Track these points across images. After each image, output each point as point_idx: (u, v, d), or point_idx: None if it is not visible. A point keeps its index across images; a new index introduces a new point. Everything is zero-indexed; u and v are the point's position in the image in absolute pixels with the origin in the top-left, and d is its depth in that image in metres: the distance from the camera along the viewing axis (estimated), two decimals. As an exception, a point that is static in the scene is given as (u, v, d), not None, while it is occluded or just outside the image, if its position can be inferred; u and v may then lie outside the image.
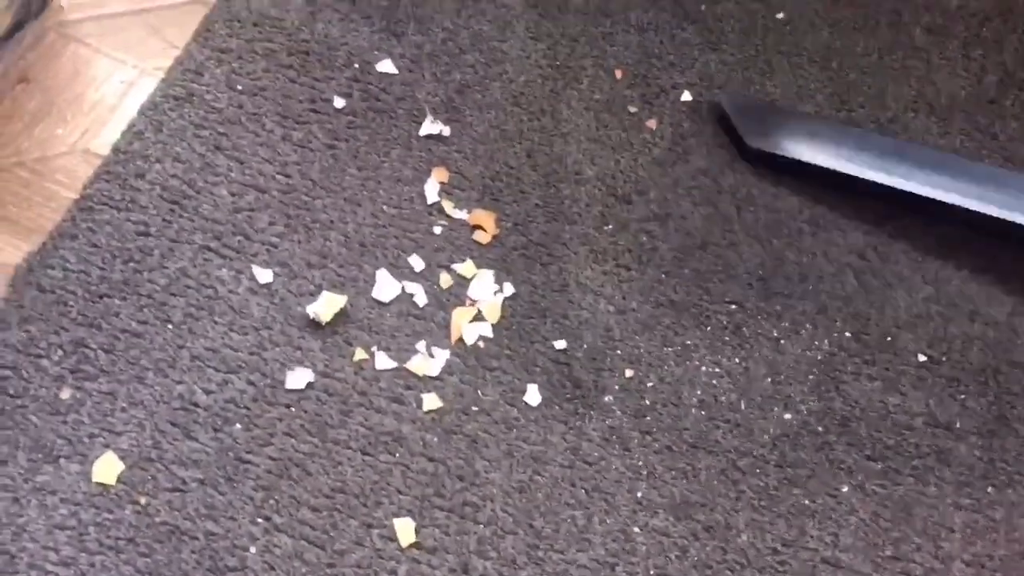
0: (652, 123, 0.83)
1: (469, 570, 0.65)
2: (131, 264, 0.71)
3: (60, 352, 0.67)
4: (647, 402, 0.72)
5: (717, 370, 0.74)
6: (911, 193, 0.80)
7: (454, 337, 0.72)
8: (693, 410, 0.72)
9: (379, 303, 0.72)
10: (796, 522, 0.69)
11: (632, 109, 0.84)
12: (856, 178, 0.81)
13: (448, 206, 0.77)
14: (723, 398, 0.73)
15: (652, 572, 0.66)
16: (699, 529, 0.68)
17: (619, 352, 0.73)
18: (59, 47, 0.79)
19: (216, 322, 0.70)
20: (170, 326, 0.69)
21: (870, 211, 0.82)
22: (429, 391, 0.70)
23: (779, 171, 0.82)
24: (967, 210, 0.79)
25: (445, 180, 0.78)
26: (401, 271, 0.74)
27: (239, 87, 0.79)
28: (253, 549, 0.63)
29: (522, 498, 0.67)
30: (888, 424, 0.73)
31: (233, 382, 0.68)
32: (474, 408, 0.70)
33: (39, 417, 0.65)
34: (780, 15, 0.90)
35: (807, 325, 0.76)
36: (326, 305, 0.70)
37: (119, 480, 0.64)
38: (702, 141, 0.83)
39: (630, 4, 0.88)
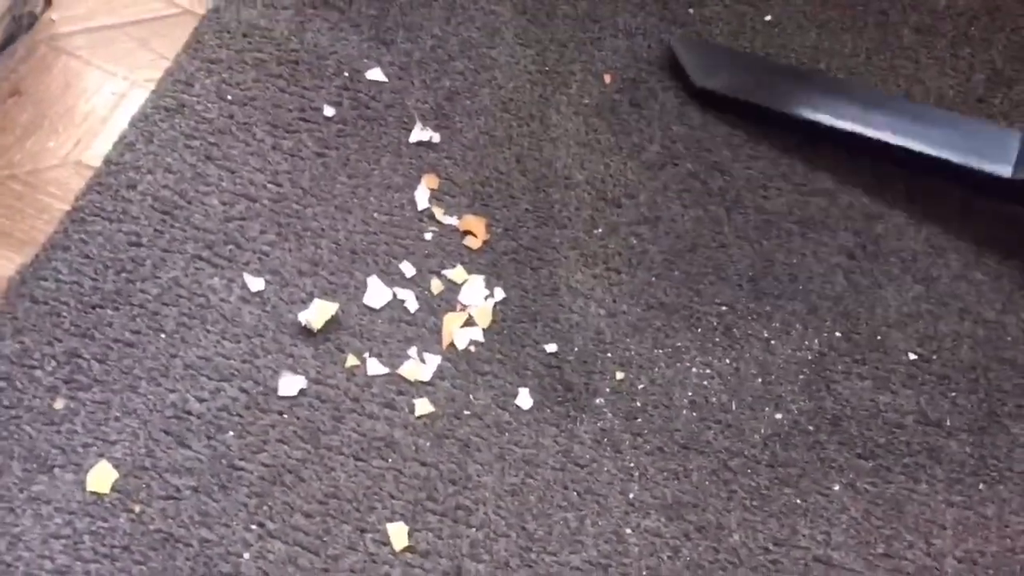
0: (641, 127, 0.84)
1: (462, 573, 0.65)
2: (123, 274, 0.71)
3: (54, 362, 0.68)
4: (638, 404, 0.72)
5: (708, 371, 0.74)
6: (843, 131, 0.83)
7: (445, 342, 0.72)
8: (684, 411, 0.72)
9: (370, 309, 0.73)
10: (788, 521, 0.69)
11: (621, 113, 0.84)
12: (797, 118, 0.83)
13: (438, 212, 0.77)
14: (714, 399, 0.73)
15: (645, 573, 0.66)
16: (691, 529, 0.68)
17: (610, 355, 0.74)
18: (50, 60, 0.80)
19: (208, 331, 0.70)
20: (163, 335, 0.70)
21: (859, 211, 0.82)
22: (421, 396, 0.70)
23: (725, 111, 0.85)
24: (901, 147, 0.82)
25: (435, 186, 0.79)
26: (392, 277, 0.74)
27: (229, 97, 0.79)
28: (247, 555, 0.64)
29: (514, 501, 0.68)
30: (879, 422, 0.73)
31: (226, 390, 0.69)
32: (466, 412, 0.70)
33: (33, 427, 0.66)
34: (768, 17, 0.90)
35: (797, 325, 0.77)
36: (318, 312, 0.71)
37: (113, 488, 0.64)
38: (691, 144, 0.84)
39: (618, 9, 0.89)
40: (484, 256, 0.77)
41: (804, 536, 0.69)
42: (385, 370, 0.71)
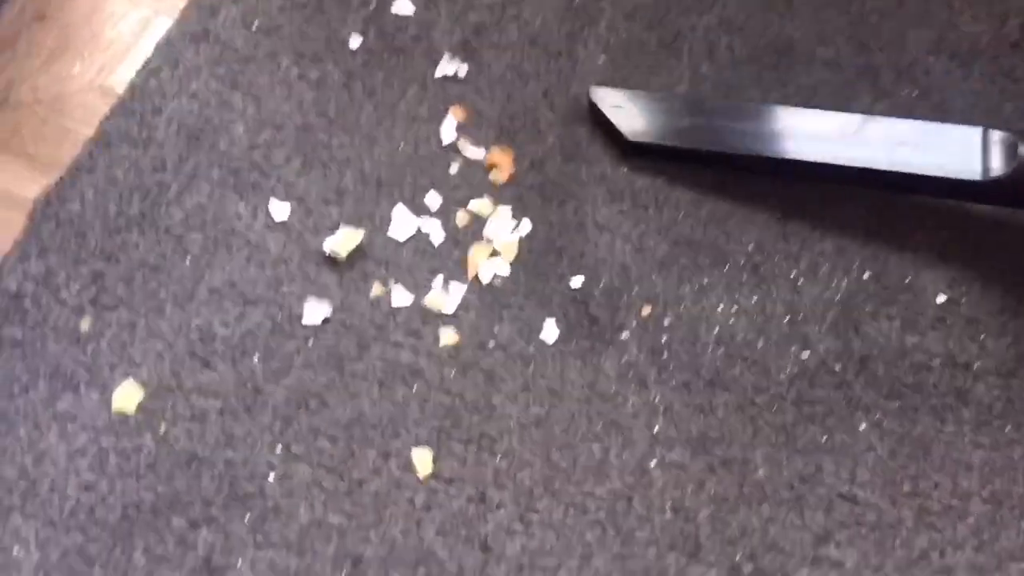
0: (671, 64, 0.83)
1: (486, 500, 0.65)
2: (148, 199, 0.71)
3: (79, 284, 0.67)
4: (664, 339, 0.72)
5: (734, 309, 0.73)
6: (793, 161, 0.75)
7: (471, 274, 0.72)
8: (710, 348, 0.72)
9: (395, 240, 0.72)
10: (813, 458, 0.69)
11: (650, 50, 0.83)
12: (748, 156, 0.76)
13: (465, 145, 0.77)
14: (740, 336, 0.72)
15: (669, 505, 0.66)
16: (716, 464, 0.68)
17: (636, 290, 0.73)
18: (75, -14, 0.79)
19: (233, 256, 0.70)
20: (188, 260, 0.69)
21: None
22: (446, 326, 0.70)
23: (663, 160, 0.77)
24: (861, 169, 0.74)
25: (462, 119, 0.78)
26: (418, 208, 0.74)
27: (255, 26, 0.79)
28: (272, 477, 0.64)
29: (539, 431, 0.68)
30: (906, 364, 0.73)
31: (251, 315, 0.68)
32: (491, 343, 0.70)
33: (59, 346, 0.66)
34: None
35: (826, 266, 0.76)
36: (343, 241, 0.70)
37: (139, 408, 0.64)
38: (720, 86, 0.82)
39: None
40: (510, 190, 0.76)
41: (829, 473, 0.68)
42: (410, 300, 0.70)
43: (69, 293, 0.67)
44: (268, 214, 0.72)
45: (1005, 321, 0.75)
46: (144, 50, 0.76)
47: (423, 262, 0.72)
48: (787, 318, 0.74)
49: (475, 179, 0.76)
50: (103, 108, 0.73)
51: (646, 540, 0.65)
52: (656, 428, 0.69)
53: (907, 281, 0.77)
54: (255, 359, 0.67)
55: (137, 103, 0.74)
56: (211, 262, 0.69)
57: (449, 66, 0.79)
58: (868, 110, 0.84)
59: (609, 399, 0.69)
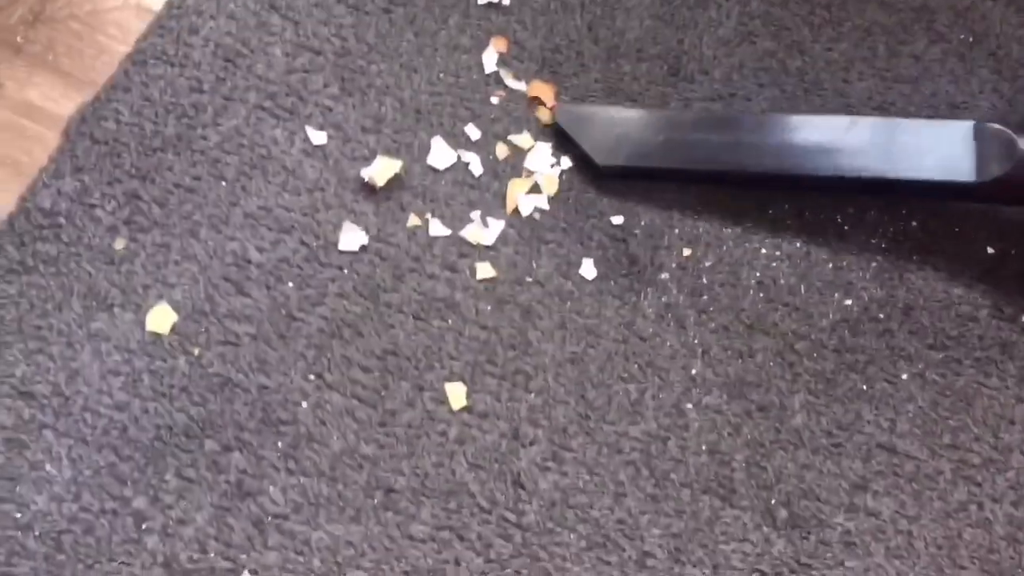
0: (720, 1, 0.80)
1: (520, 436, 0.64)
2: (184, 120, 0.69)
3: (114, 203, 0.66)
4: (704, 281, 0.70)
5: (777, 253, 0.72)
6: (772, 175, 0.71)
7: (509, 208, 0.70)
8: (751, 291, 0.70)
9: (434, 170, 0.71)
10: (852, 406, 0.67)
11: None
12: (728, 172, 0.71)
13: (506, 76, 0.75)
14: (782, 281, 0.71)
15: (704, 448, 0.65)
16: (753, 409, 0.67)
17: (677, 231, 0.71)
18: (111, -99, 0.77)
19: (269, 182, 0.69)
20: (223, 183, 0.68)
21: (942, 100, 0.78)
22: (483, 260, 0.69)
23: (638, 179, 0.72)
24: (849, 179, 0.69)
25: (504, 50, 0.76)
26: (457, 140, 0.72)
27: (294, -53, 0.76)
28: (305, 404, 0.63)
29: (575, 369, 0.66)
30: (951, 314, 0.71)
31: (286, 241, 0.67)
32: (528, 279, 0.69)
33: (93, 266, 0.65)
34: None
35: (872, 212, 0.74)
36: (381, 169, 0.69)
37: (173, 330, 0.64)
38: (769, 21, 0.80)
39: None
40: (551, 124, 0.74)
41: (868, 422, 0.67)
42: (447, 232, 0.69)
43: (104, 212, 0.66)
44: (305, 140, 0.70)
45: (1055, 275, 0.74)
46: (181, -32, 0.74)
47: (461, 194, 0.70)
48: (831, 264, 0.72)
49: (516, 111, 0.74)
50: (139, 26, 0.72)
51: (680, 482, 0.64)
52: (694, 370, 0.67)
53: (956, 231, 0.75)
54: (289, 286, 0.66)
55: (174, 21, 0.72)
56: (247, 186, 0.68)
57: (492, -6, 0.77)
58: (922, 55, 0.81)
59: (646, 339, 0.68)
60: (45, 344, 0.63)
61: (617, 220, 0.71)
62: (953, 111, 0.78)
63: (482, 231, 0.69)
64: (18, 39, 0.71)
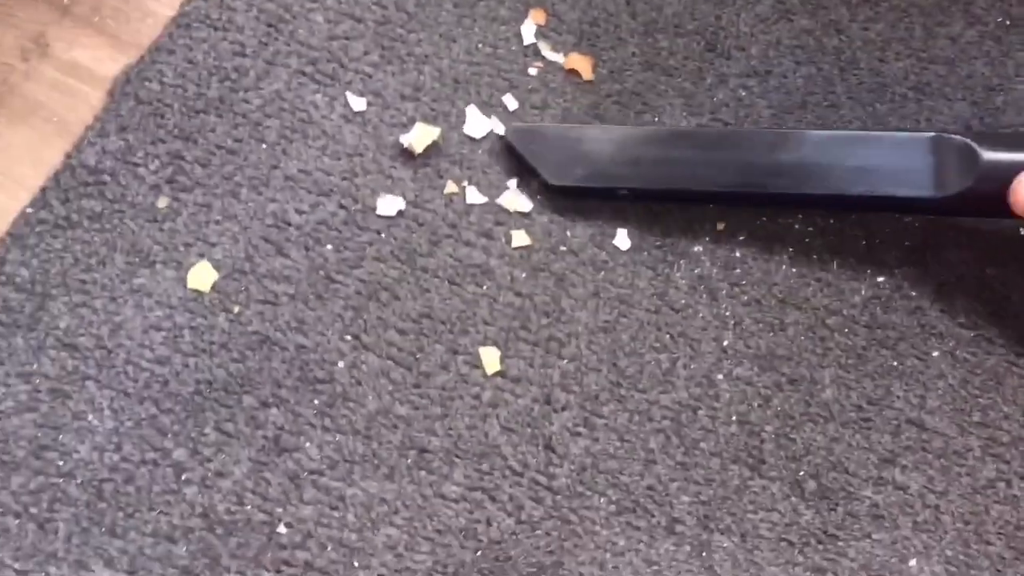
0: (757, -22, 0.80)
1: (552, 401, 0.65)
2: (227, 83, 0.70)
3: (157, 162, 0.67)
4: (737, 255, 0.71)
5: (811, 229, 0.72)
6: (729, 194, 0.69)
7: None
8: (784, 266, 0.71)
9: (471, 139, 0.72)
10: (883, 382, 0.68)
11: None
12: (683, 192, 0.70)
13: (544, 48, 0.75)
14: (815, 256, 0.71)
15: (734, 418, 0.66)
16: (783, 381, 0.67)
17: (711, 204, 0.72)
18: None
19: (309, 145, 0.69)
20: (264, 146, 0.69)
21: (978, 82, 0.78)
22: (518, 228, 0.69)
23: (589, 199, 0.70)
24: (805, 196, 0.68)
25: (542, 22, 0.76)
26: (495, 109, 0.73)
27: (337, -84, 0.77)
28: (341, 364, 0.64)
29: (607, 338, 0.67)
30: (984, 294, 0.71)
31: (325, 204, 0.68)
32: (562, 248, 0.69)
33: (136, 223, 0.66)
34: None
35: (906, 191, 0.74)
36: (419, 135, 0.70)
37: (213, 288, 0.65)
38: (807, 0, 0.80)
39: None
40: (588, 96, 0.74)
41: (898, 398, 0.67)
42: (484, 199, 0.70)
43: (147, 171, 0.67)
44: (345, 105, 0.71)
45: (1088, 258, 0.74)
46: (225, -66, 0.75)
47: (498, 162, 0.71)
48: (864, 241, 0.73)
49: (553, 83, 0.74)
50: (183, -10, 0.73)
51: (710, 451, 0.65)
52: (725, 342, 0.68)
53: (989, 212, 0.75)
54: (328, 248, 0.67)
55: (217, -13, 0.73)
56: (287, 150, 0.69)
57: (531, -33, 0.78)
58: (958, 36, 0.81)
59: (679, 310, 0.69)
60: (89, 298, 0.64)
61: (652, 192, 0.72)
62: (988, 93, 0.78)
63: (518, 199, 0.70)
64: (65, 1, 0.73)
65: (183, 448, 0.61)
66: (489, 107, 0.73)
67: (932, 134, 0.67)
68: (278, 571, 0.60)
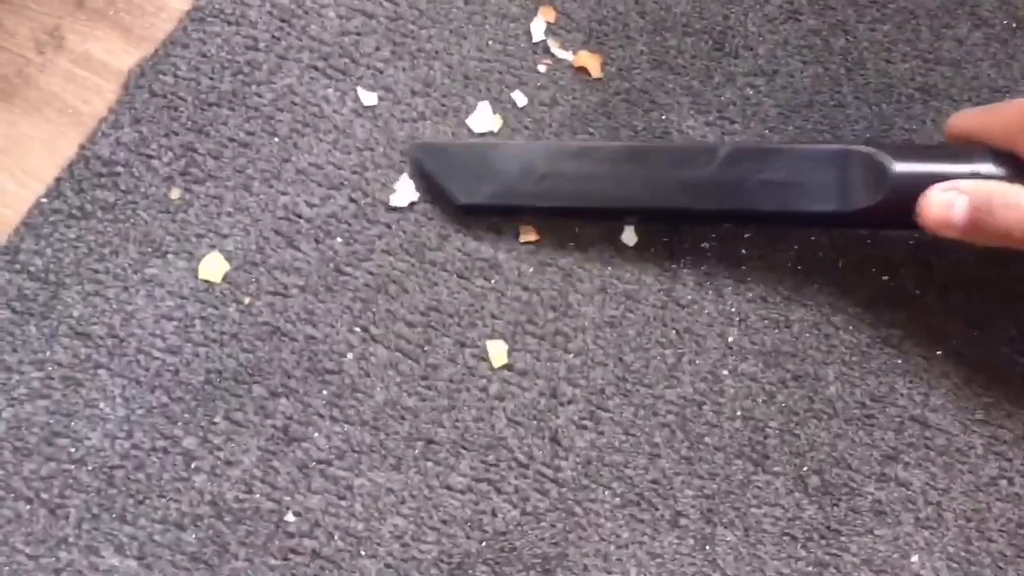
0: (765, -21, 0.81)
1: (558, 395, 0.66)
2: (240, 76, 0.71)
3: (170, 154, 0.68)
4: (743, 252, 0.71)
5: (815, 229, 0.73)
6: (635, 209, 0.68)
7: (553, 174, 0.72)
8: (789, 264, 0.71)
9: (480, 136, 0.72)
10: (886, 379, 0.68)
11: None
12: (589, 209, 0.68)
13: (553, 46, 0.76)
14: (821, 254, 0.72)
15: (739, 414, 0.66)
16: (788, 377, 0.68)
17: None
18: None
19: (320, 139, 0.70)
20: (276, 139, 0.70)
21: (984, 84, 0.79)
22: (526, 223, 0.70)
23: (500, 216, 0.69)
24: (710, 212, 0.67)
25: (552, 20, 0.77)
26: (504, 106, 0.73)
27: (349, -87, 0.78)
28: (350, 355, 0.65)
29: (613, 333, 0.68)
30: (987, 295, 0.72)
31: (335, 198, 0.69)
32: (570, 243, 0.70)
33: (149, 214, 0.67)
34: None
35: (911, 191, 0.75)
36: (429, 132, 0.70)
37: (224, 279, 0.66)
38: (815, 0, 0.80)
39: None
40: (596, 94, 0.75)
41: (902, 395, 0.68)
42: (492, 194, 0.70)
43: (160, 162, 0.68)
44: (356, 100, 0.72)
45: (1092, 259, 0.74)
46: (239, -70, 0.76)
47: (506, 159, 0.72)
48: (869, 240, 0.73)
49: (562, 80, 0.75)
50: (197, -15, 0.73)
51: (714, 446, 0.66)
52: (730, 338, 0.69)
53: (994, 213, 0.75)
54: (338, 241, 0.68)
55: (231, -18, 0.74)
56: (299, 143, 0.70)
57: (541, -34, 0.78)
58: (964, 39, 0.82)
59: (685, 306, 0.69)
60: (101, 287, 0.65)
61: (659, 189, 0.72)
62: (994, 95, 0.79)
63: (526, 195, 0.70)
64: (80, -6, 0.73)
65: (193, 436, 0.62)
66: (499, 103, 0.74)
67: (841, 147, 0.66)
68: (285, 559, 0.61)
